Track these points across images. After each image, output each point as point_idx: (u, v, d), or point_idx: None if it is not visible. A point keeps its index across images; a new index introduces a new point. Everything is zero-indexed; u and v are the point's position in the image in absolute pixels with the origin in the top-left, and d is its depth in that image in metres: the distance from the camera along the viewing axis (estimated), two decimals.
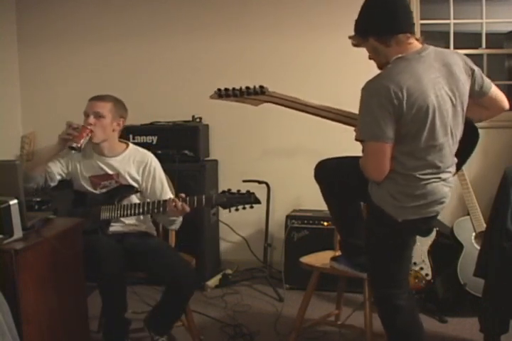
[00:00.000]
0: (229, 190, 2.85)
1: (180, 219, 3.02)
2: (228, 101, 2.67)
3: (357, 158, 2.41)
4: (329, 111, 2.63)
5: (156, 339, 2.84)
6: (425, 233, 2.70)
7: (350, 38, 2.38)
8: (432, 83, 2.21)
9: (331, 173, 2.62)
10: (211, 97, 2.67)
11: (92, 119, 2.95)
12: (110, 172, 3.05)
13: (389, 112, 2.17)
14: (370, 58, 2.39)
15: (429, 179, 2.30)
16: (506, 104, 2.50)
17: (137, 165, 3.09)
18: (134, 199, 3.06)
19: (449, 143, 2.31)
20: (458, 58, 2.35)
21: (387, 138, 2.21)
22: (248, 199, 2.82)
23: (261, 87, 2.67)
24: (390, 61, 2.27)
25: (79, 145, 2.86)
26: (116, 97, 3.09)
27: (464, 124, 2.38)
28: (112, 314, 2.79)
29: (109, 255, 2.70)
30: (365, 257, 2.58)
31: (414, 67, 2.22)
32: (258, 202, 2.85)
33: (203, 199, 2.84)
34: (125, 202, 3.00)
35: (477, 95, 2.42)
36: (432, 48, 2.32)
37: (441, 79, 2.25)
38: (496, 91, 2.46)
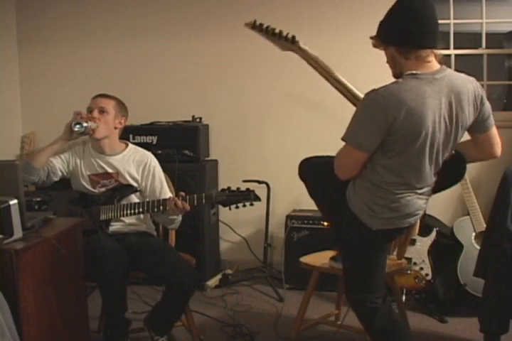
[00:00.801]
0: (228, 187, 2.85)
1: (180, 218, 3.03)
2: (259, 34, 2.62)
3: None
4: (344, 90, 2.64)
5: (156, 339, 2.84)
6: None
7: (371, 38, 2.35)
8: (433, 109, 2.18)
9: (315, 171, 2.63)
10: (245, 24, 2.61)
11: (96, 113, 3.00)
12: (110, 170, 3.05)
13: (379, 126, 2.18)
14: (387, 63, 2.37)
15: (403, 193, 2.31)
16: (498, 151, 2.45)
17: (137, 164, 3.09)
18: (134, 198, 3.06)
19: (431, 167, 2.31)
20: (471, 88, 2.28)
21: (367, 150, 2.24)
22: (248, 196, 2.82)
23: (293, 37, 2.63)
24: (403, 73, 2.25)
25: (87, 124, 2.91)
26: (118, 98, 3.13)
27: (455, 159, 2.40)
28: (112, 314, 2.79)
29: (110, 255, 2.70)
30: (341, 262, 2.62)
31: (422, 88, 2.17)
32: (258, 199, 2.85)
33: (203, 198, 2.84)
34: (124, 201, 3.00)
35: (476, 129, 2.39)
36: (448, 72, 2.27)
37: (445, 106, 2.21)
38: (495, 133, 2.42)
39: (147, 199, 3.01)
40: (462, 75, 2.32)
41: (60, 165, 3.06)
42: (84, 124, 2.90)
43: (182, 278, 2.76)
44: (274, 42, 2.65)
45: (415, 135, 2.19)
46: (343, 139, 2.28)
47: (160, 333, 2.85)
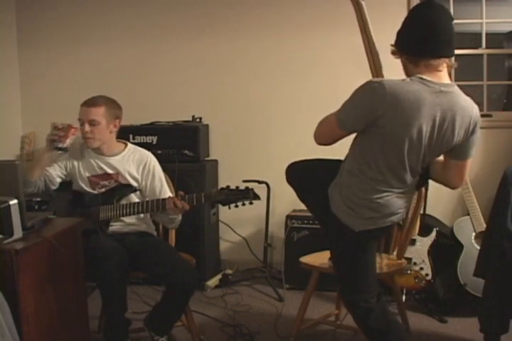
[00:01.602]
0: (228, 186, 2.85)
1: (180, 217, 3.02)
2: None
3: (327, 161, 2.52)
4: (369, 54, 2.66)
5: (156, 339, 2.84)
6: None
7: (392, 46, 2.37)
8: (426, 119, 2.18)
9: (302, 174, 2.64)
10: None
11: (87, 127, 2.97)
12: (110, 171, 3.05)
13: (366, 115, 2.21)
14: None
15: (383, 192, 2.33)
16: (460, 183, 2.47)
17: (137, 164, 3.09)
18: (134, 198, 3.06)
19: (410, 169, 2.32)
20: (470, 113, 2.27)
21: (345, 129, 2.30)
22: (247, 195, 2.82)
23: None
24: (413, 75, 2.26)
25: (64, 145, 2.88)
26: (108, 98, 3.07)
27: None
28: (112, 314, 2.79)
29: (110, 255, 2.70)
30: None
31: (424, 96, 2.17)
32: (257, 197, 2.85)
33: (202, 197, 2.84)
34: (124, 201, 3.00)
35: (454, 155, 2.38)
36: (455, 89, 2.27)
37: (438, 120, 2.21)
38: (466, 166, 2.42)
39: (147, 199, 3.01)
40: (468, 99, 2.31)
41: (57, 171, 3.06)
42: (62, 145, 2.88)
43: (182, 278, 2.76)
44: None
45: (398, 135, 2.21)
46: (335, 113, 2.33)
47: (160, 333, 2.85)
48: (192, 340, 3.02)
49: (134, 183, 3.06)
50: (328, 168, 2.49)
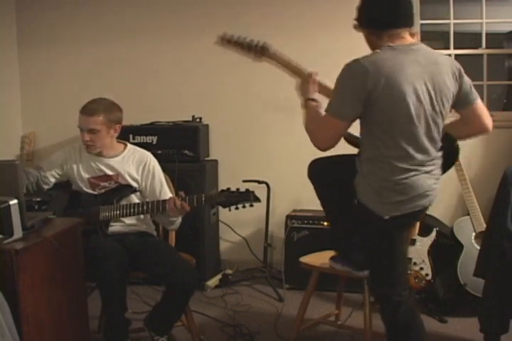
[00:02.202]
0: (228, 188, 2.85)
1: (180, 219, 3.03)
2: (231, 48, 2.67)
3: (348, 156, 2.47)
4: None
5: (156, 339, 2.84)
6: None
7: (354, 20, 2.41)
8: (413, 76, 2.22)
9: (324, 172, 2.63)
10: (215, 43, 2.71)
11: (87, 136, 2.97)
12: (110, 172, 3.05)
13: (358, 94, 2.21)
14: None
15: (409, 171, 2.29)
16: (489, 125, 2.45)
17: (137, 164, 3.09)
18: (134, 199, 3.06)
19: (427, 139, 2.30)
20: (448, 61, 2.36)
21: (345, 118, 2.27)
22: (247, 197, 2.82)
23: (263, 46, 2.72)
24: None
25: None
26: (107, 102, 3.04)
27: (444, 139, 2.39)
28: (111, 314, 2.79)
29: (110, 255, 2.70)
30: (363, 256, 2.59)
31: (399, 57, 2.23)
32: (257, 200, 2.85)
33: (203, 198, 2.84)
34: (124, 201, 3.00)
35: (460, 104, 2.40)
36: (423, 46, 2.33)
37: (425, 75, 2.24)
38: (481, 106, 2.42)
39: (147, 200, 3.01)
40: (437, 51, 2.40)
41: (52, 171, 3.07)
42: None
43: (182, 278, 2.76)
44: (247, 55, 2.76)
45: (398, 100, 2.21)
46: (326, 111, 2.33)
47: (160, 333, 2.85)
48: (192, 340, 3.02)
49: (134, 184, 3.06)
50: (348, 162, 2.45)
